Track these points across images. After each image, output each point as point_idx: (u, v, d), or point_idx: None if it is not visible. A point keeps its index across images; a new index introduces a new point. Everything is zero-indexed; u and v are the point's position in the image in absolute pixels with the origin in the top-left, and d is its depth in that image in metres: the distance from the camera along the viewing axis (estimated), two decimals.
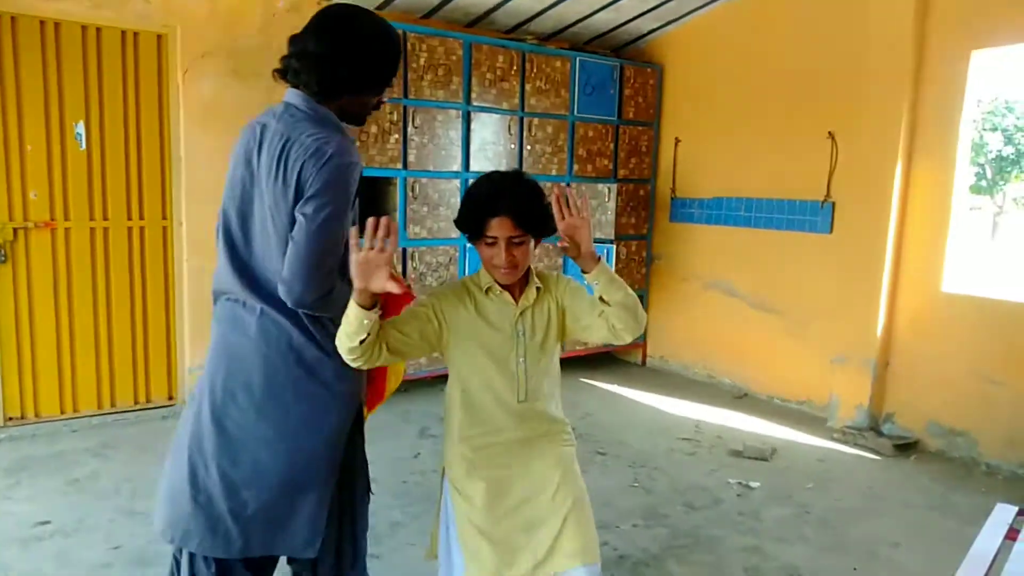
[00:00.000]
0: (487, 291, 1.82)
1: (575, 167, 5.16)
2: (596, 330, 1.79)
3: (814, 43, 4.63)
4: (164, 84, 4.16)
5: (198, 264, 4.31)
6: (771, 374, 5.02)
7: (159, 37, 4.13)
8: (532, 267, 1.86)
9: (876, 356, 4.30)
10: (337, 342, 1.65)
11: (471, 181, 4.84)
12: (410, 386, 5.01)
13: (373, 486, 3.46)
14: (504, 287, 1.82)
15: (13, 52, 3.76)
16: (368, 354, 1.64)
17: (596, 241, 5.24)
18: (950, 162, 4.05)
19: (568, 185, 1.65)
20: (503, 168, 4.72)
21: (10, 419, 3.96)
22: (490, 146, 4.75)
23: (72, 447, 3.80)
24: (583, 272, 1.73)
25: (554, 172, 5.06)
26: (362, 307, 1.57)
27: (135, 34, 4.06)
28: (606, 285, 1.71)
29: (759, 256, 5.04)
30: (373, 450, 3.88)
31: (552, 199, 1.72)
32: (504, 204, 1.72)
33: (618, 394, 5.13)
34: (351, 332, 1.60)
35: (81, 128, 3.96)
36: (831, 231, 4.60)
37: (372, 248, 1.52)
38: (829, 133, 4.55)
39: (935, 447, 4.16)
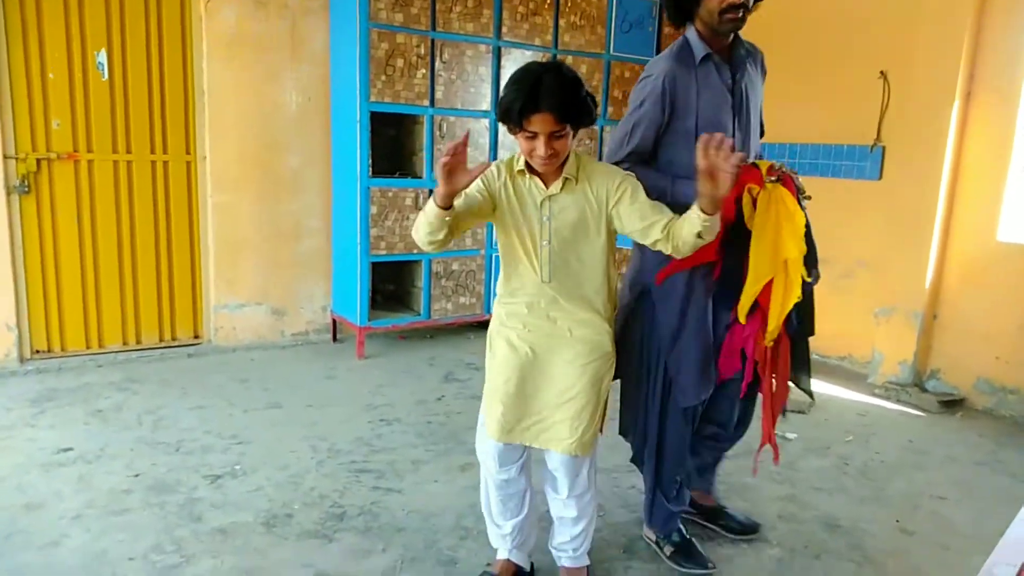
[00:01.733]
0: (519, 173, 1.90)
1: (610, 109, 4.95)
2: (649, 236, 1.87)
3: None
4: (187, 13, 4.04)
5: (222, 200, 4.24)
6: None
7: None
8: (574, 153, 1.90)
9: (923, 308, 4.09)
10: (416, 232, 1.85)
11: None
12: (436, 332, 4.93)
13: (396, 425, 3.42)
14: (534, 172, 1.90)
15: None
16: (443, 245, 1.84)
17: None
18: (1013, 100, 3.77)
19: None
20: None
21: (37, 352, 3.96)
22: None
23: (97, 380, 3.79)
24: (700, 207, 1.74)
25: None
26: (441, 208, 1.73)
27: None
28: (708, 229, 1.77)
29: None
30: (398, 392, 3.85)
31: (703, 142, 1.72)
32: (546, 99, 1.72)
33: None
34: (433, 230, 1.79)
35: (103, 57, 3.87)
36: (880, 177, 4.35)
37: (447, 155, 1.68)
38: (881, 72, 4.28)
39: (983, 405, 3.95)
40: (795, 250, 1.99)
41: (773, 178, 2.04)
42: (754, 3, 2.09)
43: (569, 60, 4.70)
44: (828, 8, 4.55)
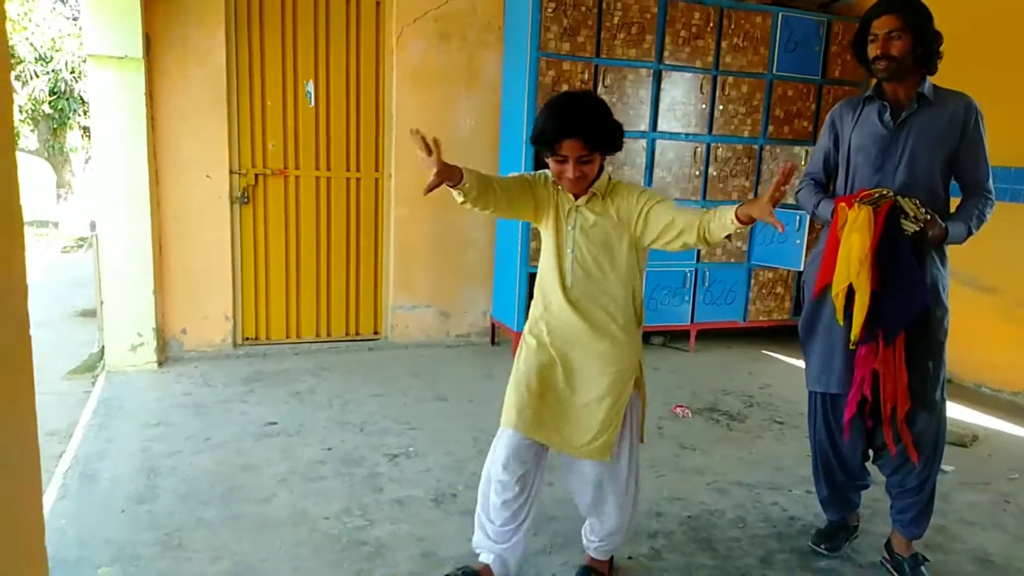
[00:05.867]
0: (554, 182, 2.08)
1: (770, 128, 4.97)
2: (672, 233, 1.98)
3: None
4: (381, 47, 4.59)
5: (403, 213, 4.74)
6: (980, 359, 4.58)
7: (377, 3, 4.55)
8: (607, 174, 2.08)
9: None
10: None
11: (658, 142, 4.81)
12: None
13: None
14: None
15: (260, 18, 4.33)
16: (475, 205, 1.97)
17: (790, 208, 5.00)
18: None
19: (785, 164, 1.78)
20: (691, 128, 4.71)
21: (247, 339, 4.64)
22: (679, 106, 4.72)
23: (294, 366, 4.39)
24: (738, 215, 1.84)
25: (746, 134, 4.93)
26: (451, 187, 1.92)
27: (357, 0, 4.50)
28: (737, 235, 1.97)
29: None
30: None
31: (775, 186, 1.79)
32: (574, 127, 1.91)
33: (800, 368, 4.92)
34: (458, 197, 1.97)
35: (311, 87, 4.49)
36: None
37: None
38: None
39: None
40: (856, 261, 2.22)
41: (866, 201, 2.24)
42: (916, 55, 2.28)
43: (730, 81, 4.80)
44: (1007, 24, 4.31)
